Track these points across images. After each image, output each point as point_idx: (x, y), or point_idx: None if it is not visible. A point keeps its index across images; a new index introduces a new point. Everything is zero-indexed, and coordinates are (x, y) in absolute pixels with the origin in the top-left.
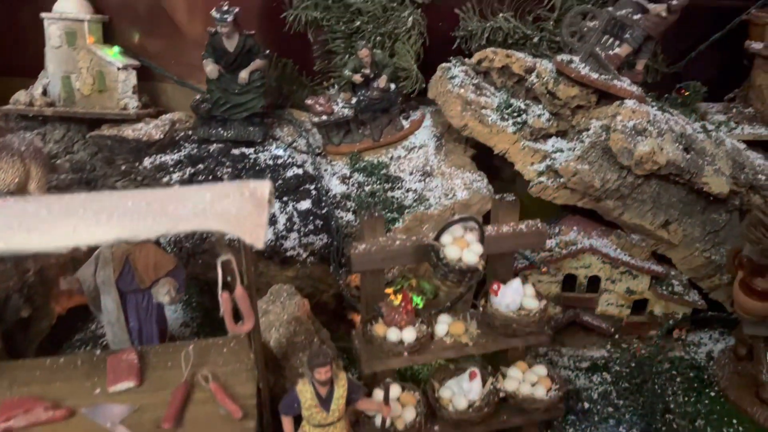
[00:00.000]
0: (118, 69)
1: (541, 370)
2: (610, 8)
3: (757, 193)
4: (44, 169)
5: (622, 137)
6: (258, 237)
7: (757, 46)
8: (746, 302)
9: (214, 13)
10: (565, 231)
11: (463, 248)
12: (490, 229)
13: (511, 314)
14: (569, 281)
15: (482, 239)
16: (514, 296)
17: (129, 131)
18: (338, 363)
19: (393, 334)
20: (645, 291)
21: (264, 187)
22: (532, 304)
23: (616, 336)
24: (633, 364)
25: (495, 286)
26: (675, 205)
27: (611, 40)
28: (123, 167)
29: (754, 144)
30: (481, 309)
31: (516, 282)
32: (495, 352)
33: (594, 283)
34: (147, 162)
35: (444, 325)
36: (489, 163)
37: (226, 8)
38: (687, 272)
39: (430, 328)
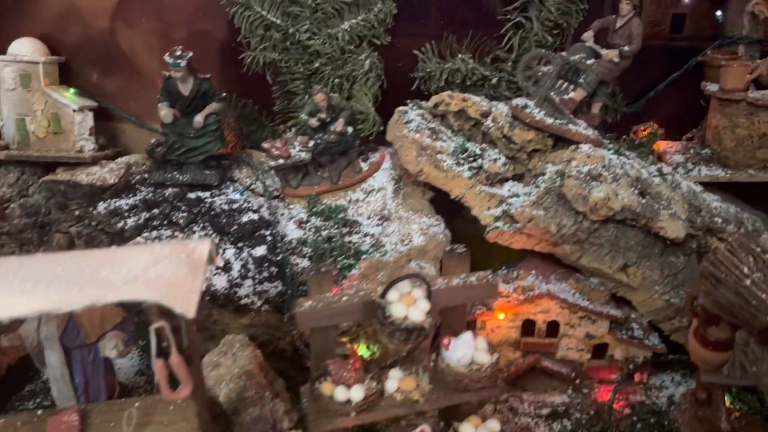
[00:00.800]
0: (74, 111)
1: (494, 425)
2: (563, 53)
3: (714, 236)
4: None
5: (576, 183)
6: (190, 305)
7: (712, 87)
8: (701, 352)
9: (167, 58)
10: (524, 275)
11: (409, 305)
12: (440, 282)
13: (462, 369)
14: (528, 326)
15: (430, 295)
16: (465, 350)
17: (83, 176)
18: (291, 418)
19: (340, 393)
20: (605, 335)
21: (203, 247)
22: (484, 358)
23: (577, 381)
24: (593, 412)
25: (446, 341)
26: (633, 249)
27: (566, 84)
28: (77, 212)
29: (711, 185)
30: (432, 363)
31: (467, 335)
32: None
33: (553, 327)
34: (101, 207)
35: (394, 380)
36: (450, 202)
37: (179, 53)
38: (647, 315)
39: (379, 385)
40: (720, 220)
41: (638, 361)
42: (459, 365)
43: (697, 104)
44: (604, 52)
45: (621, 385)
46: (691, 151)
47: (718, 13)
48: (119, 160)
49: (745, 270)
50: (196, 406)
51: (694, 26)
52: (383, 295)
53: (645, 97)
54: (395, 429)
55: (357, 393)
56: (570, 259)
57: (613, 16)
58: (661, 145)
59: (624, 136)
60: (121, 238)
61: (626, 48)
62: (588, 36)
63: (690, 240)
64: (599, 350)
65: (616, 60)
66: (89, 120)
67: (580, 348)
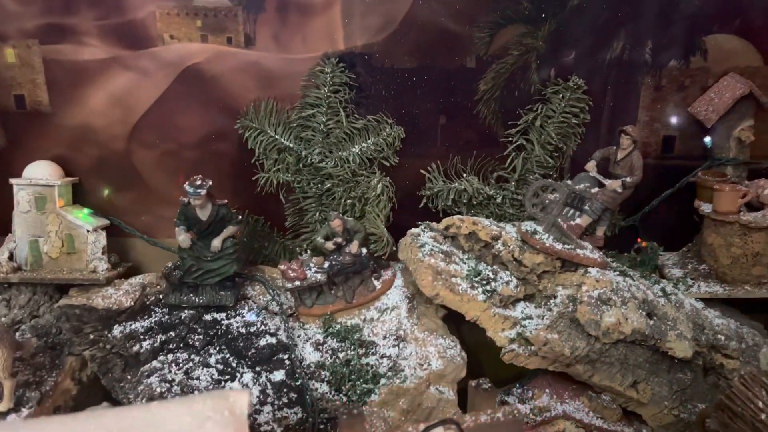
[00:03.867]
0: (88, 231)
1: None
2: (569, 182)
3: (718, 352)
4: (10, 350)
5: (589, 309)
6: None
7: (706, 208)
8: None
9: (187, 187)
10: (538, 394)
11: None
12: (468, 419)
13: None
14: None
15: None
16: None
17: (99, 299)
18: None
19: None
20: None
21: (243, 399)
22: None
23: None
24: None
25: None
26: (642, 366)
27: (572, 211)
28: (92, 336)
29: (710, 301)
30: None
31: None
32: None
33: None
34: (117, 330)
35: None
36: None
37: (199, 182)
38: (658, 429)
39: None
40: (723, 337)
41: None
42: None
43: (691, 219)
44: (607, 182)
45: None
46: (689, 266)
47: (707, 139)
48: (133, 280)
49: (760, 404)
50: None
51: (683, 147)
52: None
53: (641, 212)
54: None
55: None
56: (582, 378)
57: (614, 147)
58: (659, 259)
59: (626, 253)
60: (136, 360)
61: (628, 179)
62: (591, 166)
63: (696, 357)
64: None
65: (619, 190)
66: (102, 239)
67: None
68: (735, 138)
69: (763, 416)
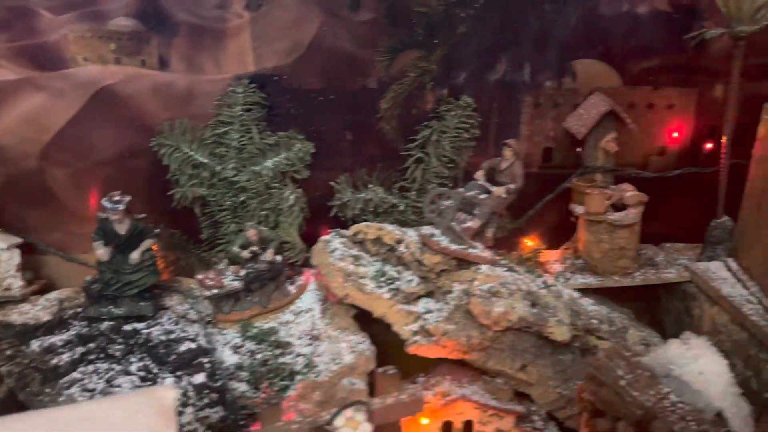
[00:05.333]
0: (1, 250)
1: None
2: (461, 189)
3: (592, 335)
4: None
5: (480, 301)
6: None
7: (579, 210)
8: None
9: (105, 203)
10: (440, 381)
11: (355, 429)
12: (377, 402)
13: None
14: (447, 426)
15: (371, 417)
16: None
17: (15, 315)
18: None
19: None
20: (512, 429)
21: (170, 394)
22: None
23: None
24: None
25: None
26: (529, 350)
27: (464, 215)
28: (8, 352)
29: (586, 290)
30: None
31: None
32: None
33: (468, 426)
34: (34, 345)
35: None
36: None
37: (117, 198)
38: (544, 406)
39: None
40: (596, 322)
41: None
42: None
43: (568, 220)
44: (494, 189)
45: None
46: (567, 261)
47: (578, 149)
48: (50, 296)
49: (620, 372)
50: None
51: (560, 157)
52: (331, 421)
53: (526, 215)
54: None
55: None
56: (478, 364)
57: (499, 158)
58: (543, 256)
59: (513, 252)
60: (55, 374)
61: (511, 186)
62: (480, 175)
63: (574, 340)
64: None
65: (504, 196)
66: (16, 257)
67: None
68: (601, 149)
69: (623, 383)
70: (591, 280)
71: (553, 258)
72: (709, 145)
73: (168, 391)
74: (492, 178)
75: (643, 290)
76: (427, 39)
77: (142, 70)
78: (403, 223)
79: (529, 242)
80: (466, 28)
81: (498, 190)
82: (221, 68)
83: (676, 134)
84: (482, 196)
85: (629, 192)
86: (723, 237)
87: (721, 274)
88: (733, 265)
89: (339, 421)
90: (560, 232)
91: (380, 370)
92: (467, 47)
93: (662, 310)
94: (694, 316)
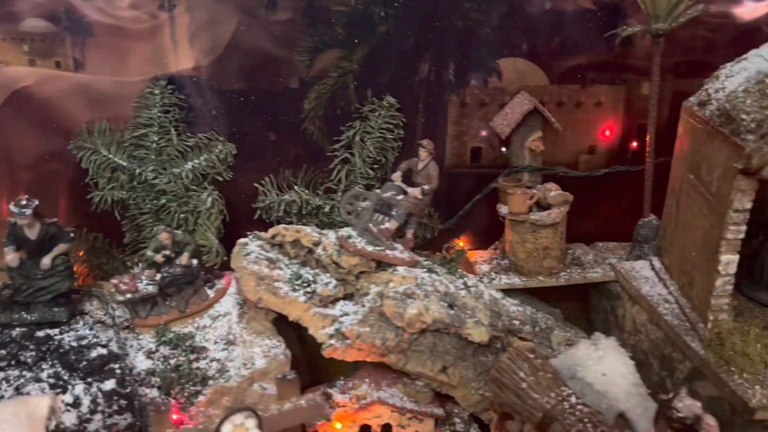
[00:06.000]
0: None
1: None
2: (378, 191)
3: (514, 336)
4: None
5: (393, 303)
6: None
7: (504, 210)
8: None
9: (12, 207)
10: (358, 384)
11: None
12: (273, 408)
13: None
14: (365, 430)
15: (260, 424)
16: None
17: None
18: None
19: None
20: (432, 431)
21: (43, 404)
22: None
23: None
24: None
25: None
26: (450, 352)
27: (382, 216)
28: None
29: (513, 291)
30: None
31: None
32: None
33: (387, 429)
34: None
35: None
36: None
37: (24, 202)
38: (468, 408)
39: None
40: (518, 322)
41: None
42: None
43: (497, 220)
44: (410, 190)
45: None
46: (494, 261)
47: (503, 149)
48: None
49: (522, 375)
50: None
51: (489, 157)
52: (218, 428)
53: (456, 216)
54: None
55: None
56: (397, 366)
57: (416, 159)
58: (473, 256)
59: (438, 252)
60: None
61: (426, 187)
62: (396, 176)
63: (495, 341)
64: None
65: (420, 197)
66: None
67: None
68: (527, 148)
69: (524, 385)
70: (516, 281)
71: (481, 258)
72: (634, 144)
73: (42, 401)
74: (409, 179)
75: (576, 290)
76: (348, 38)
77: (58, 72)
78: (330, 225)
79: (460, 243)
80: (387, 28)
81: (413, 192)
82: (139, 69)
83: (608, 132)
84: (399, 198)
85: (553, 191)
86: (649, 236)
87: (644, 273)
88: (657, 263)
89: (226, 428)
90: (490, 233)
91: (279, 375)
92: (389, 46)
93: (592, 309)
94: (618, 316)
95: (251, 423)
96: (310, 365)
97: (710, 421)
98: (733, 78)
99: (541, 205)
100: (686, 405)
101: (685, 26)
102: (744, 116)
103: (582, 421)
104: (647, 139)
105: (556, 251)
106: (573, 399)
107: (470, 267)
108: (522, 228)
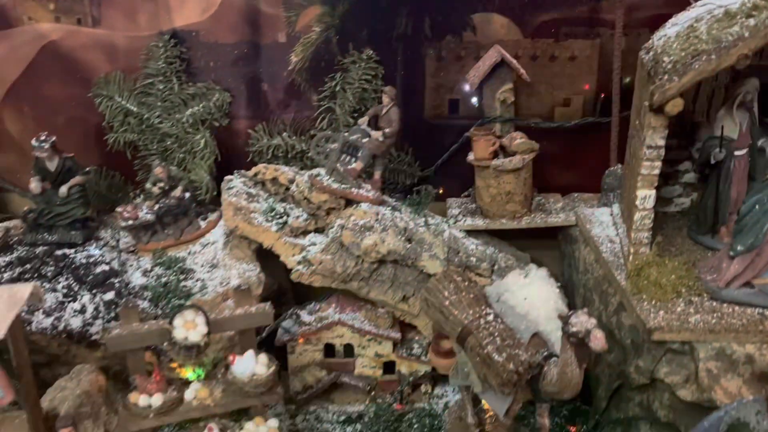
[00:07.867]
0: None
1: (273, 422)
2: (345, 133)
3: (472, 272)
4: None
5: (351, 233)
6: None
7: (470, 157)
8: (436, 361)
9: (33, 142)
10: (324, 308)
11: (189, 329)
12: (227, 312)
13: (244, 379)
14: (330, 349)
15: (209, 321)
16: (246, 365)
17: None
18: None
19: (143, 400)
20: (390, 354)
21: (26, 289)
22: (262, 370)
23: (372, 393)
24: (379, 414)
25: (231, 358)
26: (410, 283)
27: (348, 157)
28: None
29: (476, 232)
30: (220, 376)
31: (249, 353)
32: (240, 409)
33: (350, 349)
34: None
35: (192, 390)
36: None
37: (43, 138)
38: (429, 335)
39: (179, 394)
40: (474, 259)
41: (420, 374)
42: (242, 376)
43: (471, 168)
44: (373, 132)
45: (402, 392)
46: (464, 206)
47: (474, 99)
48: None
49: (446, 294)
50: (31, 418)
51: (465, 109)
52: (171, 321)
53: (435, 164)
54: (195, 428)
55: (157, 400)
56: (361, 294)
57: (381, 106)
58: (448, 201)
59: (408, 196)
60: None
61: (387, 130)
62: (363, 120)
63: None
64: (389, 367)
65: (381, 139)
66: None
67: (372, 365)
68: (498, 99)
69: (447, 303)
70: (479, 222)
71: (454, 203)
72: (602, 96)
73: (24, 287)
74: (375, 123)
75: (553, 238)
76: None
77: (79, 28)
78: (313, 168)
79: (433, 187)
80: None
81: (375, 134)
82: (146, 25)
83: (583, 85)
84: (363, 140)
85: (518, 139)
86: (614, 184)
87: (602, 218)
88: (616, 209)
89: (178, 321)
90: (466, 180)
91: (234, 286)
92: (369, 2)
93: (562, 255)
94: (576, 258)
95: (200, 320)
96: (296, 294)
97: (598, 334)
98: (677, 25)
99: (509, 153)
100: (580, 321)
101: None
102: (666, 58)
103: (493, 335)
104: (612, 90)
105: (519, 196)
106: (490, 317)
107: (440, 210)
108: (486, 173)
